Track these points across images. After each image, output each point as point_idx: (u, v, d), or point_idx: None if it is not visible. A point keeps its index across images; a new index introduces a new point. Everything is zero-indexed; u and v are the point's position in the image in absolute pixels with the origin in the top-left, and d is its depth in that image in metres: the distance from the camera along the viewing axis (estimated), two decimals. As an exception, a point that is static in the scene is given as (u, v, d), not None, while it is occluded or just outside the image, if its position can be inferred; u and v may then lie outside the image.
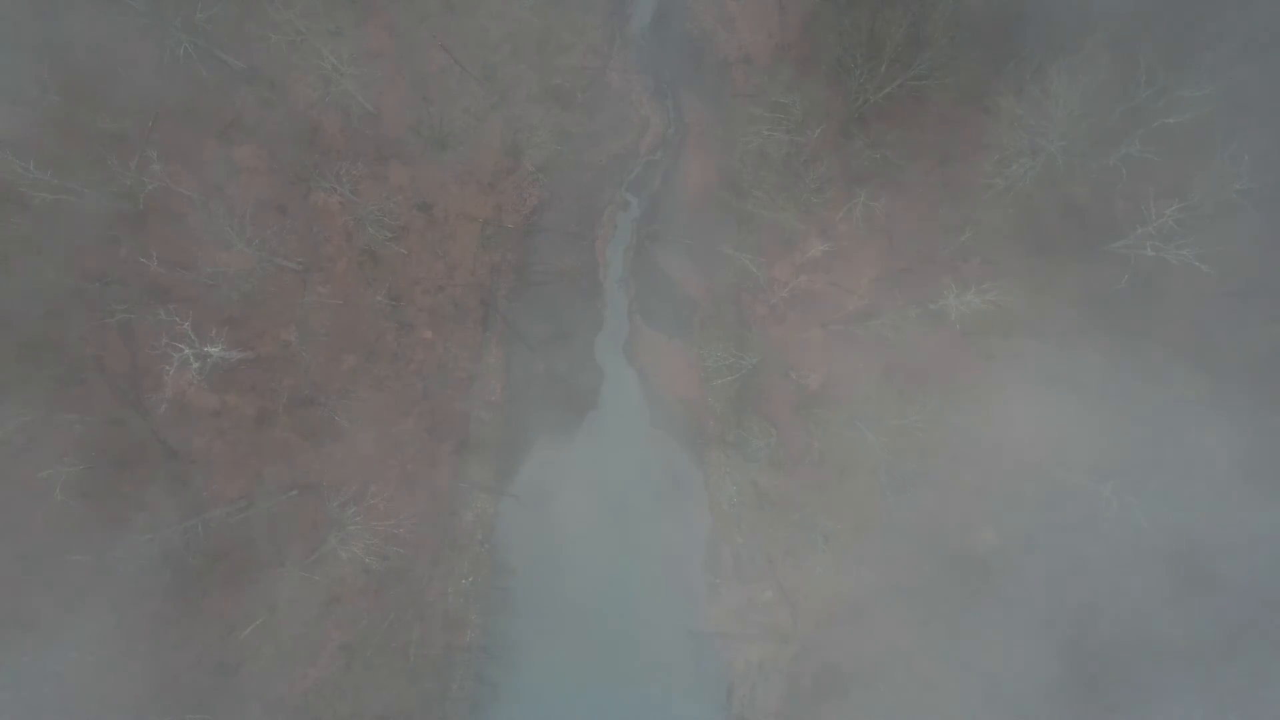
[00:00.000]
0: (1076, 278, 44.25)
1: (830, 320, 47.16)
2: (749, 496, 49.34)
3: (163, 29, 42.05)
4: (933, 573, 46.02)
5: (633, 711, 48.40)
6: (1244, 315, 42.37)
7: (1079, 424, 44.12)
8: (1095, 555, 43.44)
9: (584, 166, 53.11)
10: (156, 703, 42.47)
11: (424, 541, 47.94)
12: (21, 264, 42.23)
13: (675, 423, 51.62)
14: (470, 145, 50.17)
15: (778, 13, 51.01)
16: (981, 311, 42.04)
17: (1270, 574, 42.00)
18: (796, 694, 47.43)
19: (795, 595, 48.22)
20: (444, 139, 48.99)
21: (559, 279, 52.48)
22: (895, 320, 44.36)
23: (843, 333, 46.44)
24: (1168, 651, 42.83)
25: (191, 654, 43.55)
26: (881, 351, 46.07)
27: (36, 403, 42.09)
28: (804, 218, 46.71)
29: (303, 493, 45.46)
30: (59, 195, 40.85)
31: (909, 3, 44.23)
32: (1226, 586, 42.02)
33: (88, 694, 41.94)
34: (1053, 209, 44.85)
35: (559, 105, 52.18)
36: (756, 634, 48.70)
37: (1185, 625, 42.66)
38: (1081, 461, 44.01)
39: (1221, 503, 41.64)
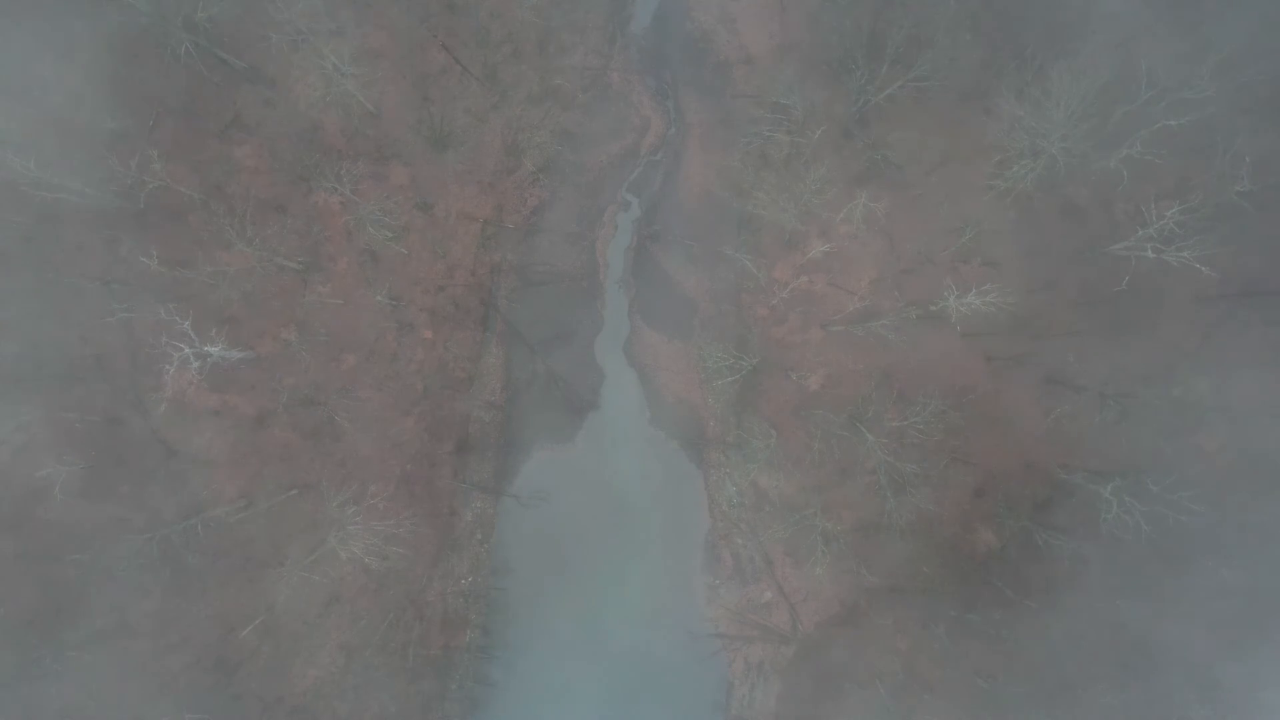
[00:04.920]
0: (1077, 279, 44.28)
1: (831, 321, 47.16)
2: (749, 497, 49.35)
3: (164, 28, 42.02)
4: (932, 573, 46.05)
5: (632, 712, 48.40)
6: (1244, 316, 42.40)
7: (1079, 424, 44.17)
8: (1095, 555, 43.46)
9: (584, 167, 53.11)
10: (156, 702, 42.46)
11: (424, 541, 47.93)
12: (21, 264, 42.19)
13: (675, 423, 51.62)
14: (471, 145, 50.16)
15: (779, 13, 51.01)
16: (982, 313, 42.08)
17: (1270, 574, 42.02)
18: (795, 694, 47.46)
19: (794, 596, 48.24)
20: (444, 139, 48.98)
21: (559, 279, 52.48)
22: (896, 321, 44.37)
23: (843, 334, 46.45)
24: (1167, 652, 42.86)
25: (191, 654, 43.53)
26: (882, 353, 46.09)
27: (36, 402, 42.09)
28: (805, 219, 46.73)
29: (303, 493, 45.44)
30: (59, 195, 40.82)
31: (910, 3, 44.22)
32: (1227, 586, 42.06)
33: (87, 693, 41.92)
34: (1053, 210, 44.88)
35: (560, 105, 52.17)
36: (756, 635, 48.73)
37: (1184, 626, 42.68)
38: (1082, 461, 44.07)
39: (1221, 503, 41.66)
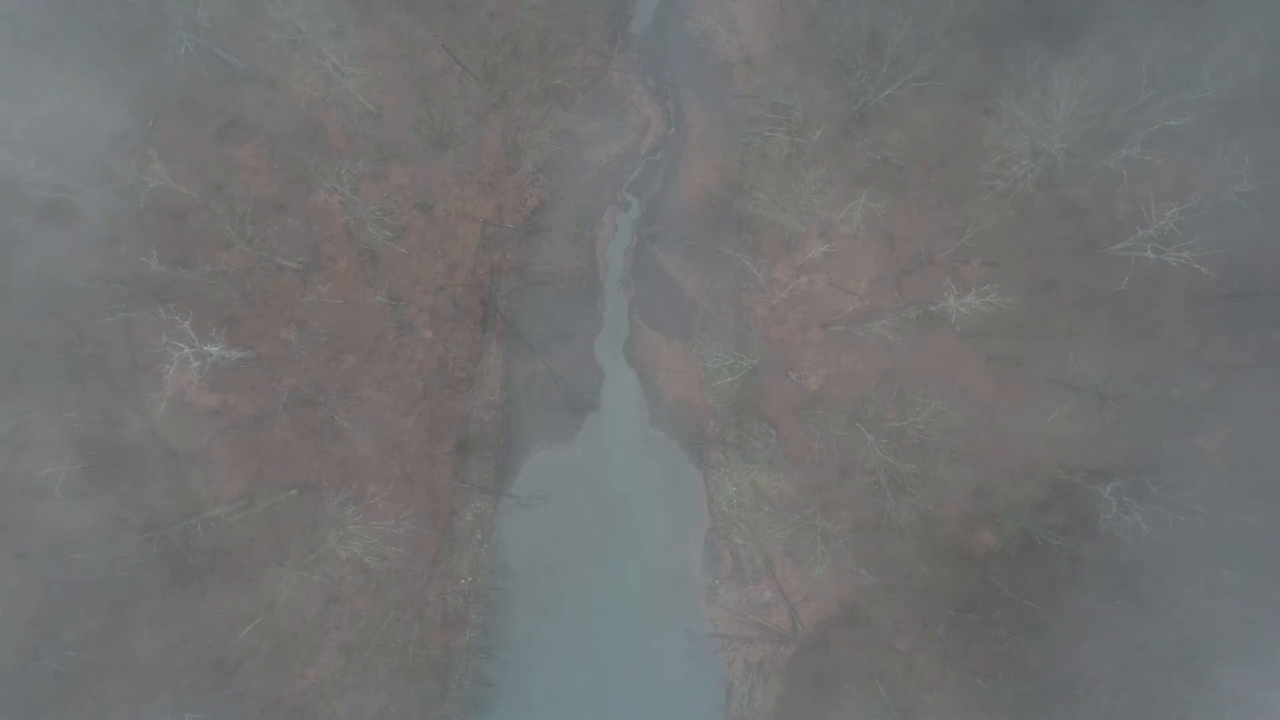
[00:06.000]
0: (1077, 279, 44.26)
1: (830, 321, 47.16)
2: (749, 497, 49.34)
3: (164, 28, 42.07)
4: (932, 573, 46.03)
5: (632, 712, 48.38)
6: (1244, 317, 42.39)
7: (1079, 424, 44.16)
8: (1094, 556, 43.45)
9: (584, 167, 53.12)
10: (156, 702, 42.47)
11: (424, 541, 47.93)
12: (21, 264, 42.21)
13: (675, 423, 51.61)
14: (471, 145, 50.17)
15: (779, 13, 51.01)
16: (982, 313, 42.06)
17: (1270, 574, 42.01)
18: (795, 694, 47.45)
19: (794, 596, 48.22)
20: (445, 139, 48.99)
21: (559, 279, 52.46)
22: (895, 322, 44.36)
23: (843, 334, 46.45)
24: (1167, 652, 42.86)
25: (191, 653, 43.54)
26: (881, 353, 46.09)
27: (36, 402, 42.11)
28: (804, 219, 46.70)
29: (302, 492, 45.45)
30: (59, 195, 40.85)
31: (910, 3, 44.21)
32: (1227, 587, 42.04)
33: (87, 693, 41.93)
34: (1053, 211, 44.86)
35: (560, 105, 52.18)
36: (755, 635, 48.73)
37: (1185, 626, 42.67)
38: (1081, 461, 44.06)
39: (1221, 503, 41.65)
